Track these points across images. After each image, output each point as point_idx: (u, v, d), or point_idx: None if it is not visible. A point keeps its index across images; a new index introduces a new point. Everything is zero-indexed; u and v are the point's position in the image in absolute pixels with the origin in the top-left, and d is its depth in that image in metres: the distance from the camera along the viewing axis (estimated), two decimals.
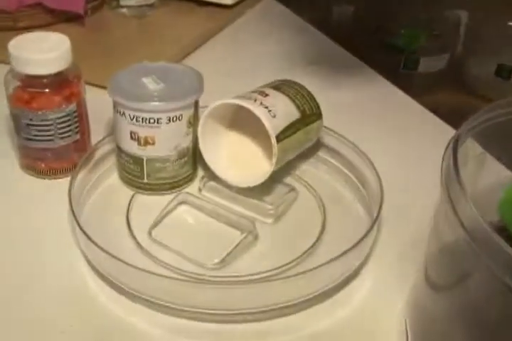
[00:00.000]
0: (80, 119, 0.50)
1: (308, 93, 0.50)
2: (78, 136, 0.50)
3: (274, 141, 0.45)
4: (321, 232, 0.46)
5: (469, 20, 1.40)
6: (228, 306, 0.39)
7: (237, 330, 0.40)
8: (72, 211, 0.43)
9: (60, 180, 0.51)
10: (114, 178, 0.51)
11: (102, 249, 0.40)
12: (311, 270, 0.39)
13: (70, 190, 0.45)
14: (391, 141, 0.57)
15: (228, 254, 0.43)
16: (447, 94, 0.78)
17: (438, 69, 1.37)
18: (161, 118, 0.45)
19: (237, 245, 0.44)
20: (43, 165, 0.50)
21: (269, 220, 0.47)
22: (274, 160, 0.45)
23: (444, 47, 1.38)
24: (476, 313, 0.32)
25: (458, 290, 0.34)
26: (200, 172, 0.51)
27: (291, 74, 0.54)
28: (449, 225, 0.33)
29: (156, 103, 0.44)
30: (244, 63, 0.70)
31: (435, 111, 0.64)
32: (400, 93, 0.67)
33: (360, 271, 0.44)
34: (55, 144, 0.49)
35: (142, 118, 0.45)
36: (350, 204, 0.50)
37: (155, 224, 0.46)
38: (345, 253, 0.40)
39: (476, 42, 1.41)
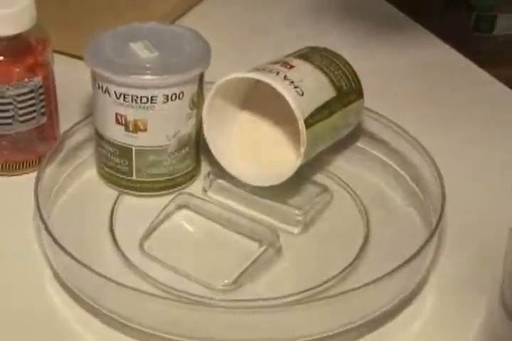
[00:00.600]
0: (47, 97, 0.52)
1: (346, 64, 0.52)
2: (45, 120, 0.53)
3: (302, 126, 0.47)
4: (363, 245, 0.49)
5: None
6: (242, 337, 0.42)
7: None
8: (41, 217, 0.45)
9: (20, 177, 0.53)
10: (91, 175, 0.54)
11: (80, 262, 0.42)
12: (351, 291, 0.41)
13: (35, 191, 0.47)
14: (455, 127, 0.60)
15: (243, 273, 0.45)
16: None
17: None
18: (156, 97, 0.47)
19: (255, 261, 0.46)
20: None
21: (296, 229, 0.50)
22: (302, 150, 0.47)
23: None
24: None
25: None
26: (205, 168, 0.54)
27: (319, 36, 0.56)
28: None
29: (150, 76, 0.46)
30: (258, 24, 0.72)
31: None
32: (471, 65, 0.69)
33: (416, 294, 0.46)
34: (14, 129, 0.52)
35: (132, 97, 0.47)
36: (400, 208, 0.52)
37: (147, 235, 0.48)
38: (396, 270, 0.43)
39: None
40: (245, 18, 0.74)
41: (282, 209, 0.51)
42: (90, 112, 0.52)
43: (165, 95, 0.47)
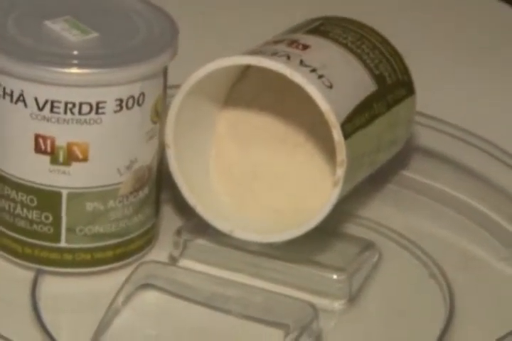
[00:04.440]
0: None
1: (384, 42, 0.64)
2: None
3: (339, 134, 0.58)
4: (447, 323, 0.60)
5: None
6: None
7: None
8: None
9: None
10: None
11: None
12: None
13: None
14: None
15: None
16: None
17: None
18: (104, 103, 0.56)
19: None
20: None
21: (337, 304, 0.60)
22: (340, 173, 0.58)
23: None
24: None
25: None
26: (170, 223, 0.64)
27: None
28: None
29: (94, 69, 0.56)
30: None
31: None
32: None
33: None
34: None
35: (66, 105, 0.57)
36: (492, 266, 0.64)
37: (100, 330, 0.58)
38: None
39: None
40: None
41: (312, 274, 0.60)
42: None
43: (118, 99, 0.56)
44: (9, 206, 0.60)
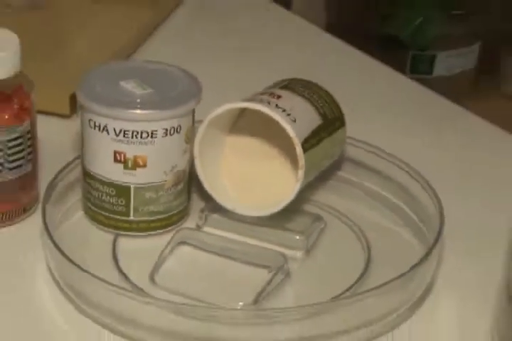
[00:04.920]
0: (34, 143, 0.64)
1: (327, 94, 0.67)
2: (30, 168, 0.65)
3: (300, 150, 0.62)
4: (367, 265, 0.63)
5: None
6: None
7: None
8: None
9: (12, 227, 0.66)
10: (80, 219, 0.67)
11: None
12: (371, 290, 0.56)
13: (45, 226, 0.60)
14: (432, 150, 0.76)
15: (259, 294, 0.59)
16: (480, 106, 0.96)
17: (465, 68, 1.59)
18: (156, 131, 0.61)
19: (268, 284, 0.60)
20: None
21: (299, 253, 0.64)
22: (301, 174, 0.62)
23: (471, 36, 1.60)
24: None
25: None
26: (197, 204, 0.68)
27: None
28: None
29: (151, 110, 0.60)
30: (207, 67, 0.88)
31: None
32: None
33: (424, 298, 0.61)
34: (3, 178, 0.64)
35: (132, 132, 0.60)
36: (395, 230, 0.68)
37: (155, 269, 0.61)
38: (403, 275, 0.57)
39: None
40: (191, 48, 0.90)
41: (284, 235, 0.65)
42: (73, 157, 0.66)
43: (164, 129, 0.61)
44: (98, 194, 0.64)
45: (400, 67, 1.15)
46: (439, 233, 0.62)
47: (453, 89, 1.40)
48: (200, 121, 0.64)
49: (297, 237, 0.65)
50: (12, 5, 0.94)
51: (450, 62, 1.63)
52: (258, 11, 1.03)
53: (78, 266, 0.57)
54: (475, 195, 0.74)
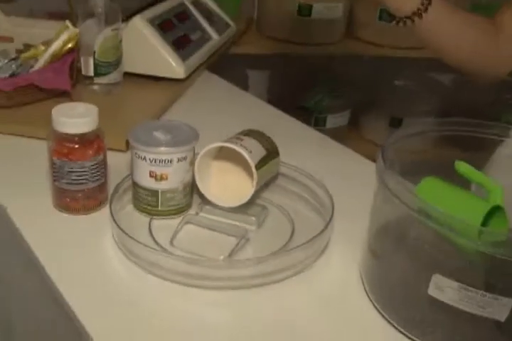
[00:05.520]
0: (105, 166, 0.68)
1: (268, 137, 0.71)
2: (103, 180, 0.69)
3: (254, 169, 0.65)
4: (292, 233, 0.67)
5: (364, 81, 1.69)
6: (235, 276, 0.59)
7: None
8: (115, 222, 0.61)
9: (91, 215, 0.69)
10: (131, 209, 0.70)
11: (143, 244, 0.59)
12: (294, 248, 0.60)
13: (111, 213, 0.63)
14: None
15: (232, 251, 0.63)
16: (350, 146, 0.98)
17: (343, 124, 1.65)
18: (173, 159, 0.65)
19: (236, 246, 0.64)
20: (76, 204, 0.68)
21: (254, 227, 0.68)
22: (254, 183, 0.66)
23: (346, 106, 1.66)
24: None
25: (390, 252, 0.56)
26: (196, 200, 0.71)
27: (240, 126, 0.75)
28: (386, 206, 0.55)
29: (170, 148, 0.64)
30: (203, 123, 0.91)
31: None
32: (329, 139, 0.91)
33: (324, 251, 0.65)
34: (87, 186, 0.67)
35: (159, 160, 0.64)
36: (308, 214, 0.71)
37: (173, 237, 0.65)
38: (314, 238, 0.61)
39: (371, 99, 1.70)
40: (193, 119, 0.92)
41: (245, 217, 0.68)
42: (127, 174, 0.69)
43: (178, 158, 0.65)
44: (141, 195, 0.67)
45: (308, 122, 1.18)
46: (332, 213, 0.66)
47: (336, 135, 1.44)
48: (198, 153, 0.67)
49: (253, 218, 0.68)
50: (97, 91, 0.96)
51: (334, 121, 1.67)
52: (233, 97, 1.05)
53: (130, 236, 0.60)
54: (349, 189, 0.75)
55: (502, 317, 0.50)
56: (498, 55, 0.81)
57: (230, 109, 0.98)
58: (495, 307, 0.50)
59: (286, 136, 0.86)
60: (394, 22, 0.74)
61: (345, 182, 0.76)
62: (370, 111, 1.71)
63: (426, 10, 0.72)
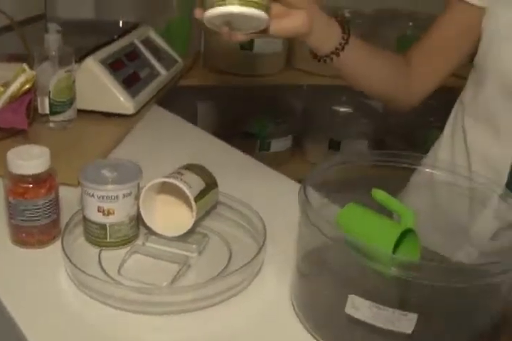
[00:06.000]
0: (57, 203, 0.70)
1: (207, 170, 0.74)
2: (56, 216, 0.70)
3: (193, 202, 0.68)
4: (229, 258, 0.70)
5: (304, 108, 1.74)
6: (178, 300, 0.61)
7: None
8: (67, 257, 0.63)
9: (45, 248, 0.70)
10: (82, 241, 0.71)
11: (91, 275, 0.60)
12: (231, 273, 0.63)
13: (63, 247, 0.65)
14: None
15: (175, 278, 0.65)
16: (293, 167, 1.02)
17: (286, 148, 1.68)
18: (118, 195, 0.67)
19: (178, 273, 0.66)
20: (32, 239, 0.69)
21: (195, 254, 0.70)
22: (194, 214, 0.68)
23: (288, 131, 1.70)
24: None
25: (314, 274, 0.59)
26: (142, 230, 0.73)
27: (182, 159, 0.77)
28: (309, 234, 0.58)
29: (116, 185, 0.67)
30: (153, 157, 0.93)
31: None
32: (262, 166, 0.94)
33: (258, 273, 0.68)
34: (40, 222, 0.69)
35: (107, 197, 0.66)
36: (244, 239, 0.73)
37: (121, 267, 0.67)
38: (248, 263, 0.64)
39: (311, 124, 1.75)
40: (142, 154, 0.93)
41: (187, 245, 0.70)
42: (78, 209, 0.71)
43: (123, 194, 0.67)
44: (91, 228, 0.69)
45: (253, 147, 1.20)
46: (264, 238, 0.68)
47: (280, 158, 1.48)
48: (143, 187, 0.69)
49: (194, 246, 0.70)
50: (53, 128, 0.98)
51: (277, 145, 1.69)
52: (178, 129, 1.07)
53: (79, 268, 0.62)
54: (283, 214, 0.74)
55: (409, 330, 0.53)
56: (408, 86, 0.87)
57: (175, 142, 1.00)
58: (402, 322, 0.53)
59: (226, 165, 0.89)
60: (316, 59, 0.78)
61: (279, 208, 0.78)
62: (311, 135, 1.76)
63: (343, 49, 0.75)
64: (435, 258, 0.73)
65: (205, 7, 0.61)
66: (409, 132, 1.68)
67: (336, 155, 0.69)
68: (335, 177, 0.68)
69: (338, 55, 0.75)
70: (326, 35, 0.74)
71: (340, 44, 0.74)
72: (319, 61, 0.77)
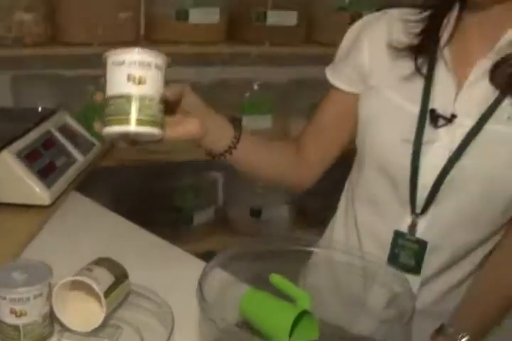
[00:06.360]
0: None
1: (117, 263, 0.78)
2: None
3: (103, 298, 0.71)
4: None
5: (224, 179, 1.81)
6: None
7: None
8: None
9: None
10: None
11: None
12: None
13: None
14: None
15: None
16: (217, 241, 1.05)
17: (209, 219, 1.73)
18: (29, 297, 0.69)
19: None
20: None
21: None
22: (104, 310, 0.72)
23: (210, 202, 1.76)
24: None
25: None
26: (56, 327, 0.75)
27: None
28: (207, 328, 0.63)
29: (26, 287, 0.69)
30: (69, 248, 0.96)
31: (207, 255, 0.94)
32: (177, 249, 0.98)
33: None
34: None
35: (18, 299, 0.69)
36: (156, 327, 0.76)
37: None
38: None
39: (232, 194, 1.81)
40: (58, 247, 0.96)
41: (99, 340, 0.73)
42: None
43: (34, 295, 0.70)
44: (3, 330, 0.70)
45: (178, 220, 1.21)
46: (172, 325, 0.71)
47: (204, 230, 1.50)
48: (55, 285, 0.72)
49: (106, 340, 0.73)
50: None
51: (200, 218, 1.71)
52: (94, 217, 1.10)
53: None
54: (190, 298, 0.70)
55: None
56: (298, 173, 0.95)
57: (90, 232, 1.03)
58: None
59: (141, 252, 0.93)
60: (211, 157, 0.85)
61: (190, 292, 0.82)
62: (233, 205, 1.82)
63: (235, 147, 0.82)
64: (336, 333, 0.79)
65: (103, 123, 0.67)
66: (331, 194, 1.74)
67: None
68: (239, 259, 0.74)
69: (231, 152, 0.82)
70: (219, 137, 0.81)
71: (232, 143, 0.81)
72: (213, 158, 0.84)
